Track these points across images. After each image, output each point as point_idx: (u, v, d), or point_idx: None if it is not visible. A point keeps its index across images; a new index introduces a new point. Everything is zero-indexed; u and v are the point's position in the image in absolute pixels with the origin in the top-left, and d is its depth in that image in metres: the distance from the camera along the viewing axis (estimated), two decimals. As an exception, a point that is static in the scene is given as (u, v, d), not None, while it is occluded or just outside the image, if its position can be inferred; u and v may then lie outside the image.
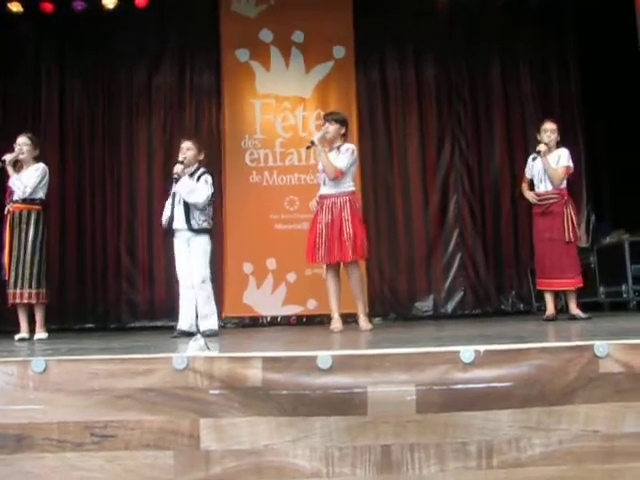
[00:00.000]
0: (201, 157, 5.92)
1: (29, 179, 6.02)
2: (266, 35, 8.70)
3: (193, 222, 5.69)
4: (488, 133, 8.90)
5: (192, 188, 5.66)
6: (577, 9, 8.65)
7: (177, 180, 5.66)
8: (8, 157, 6.05)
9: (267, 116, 8.68)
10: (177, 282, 5.89)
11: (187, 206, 5.68)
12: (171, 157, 8.59)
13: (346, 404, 2.55)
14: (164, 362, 2.60)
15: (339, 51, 8.66)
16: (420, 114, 8.89)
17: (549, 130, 6.09)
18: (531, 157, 6.21)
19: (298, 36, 8.69)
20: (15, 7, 8.11)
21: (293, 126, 8.64)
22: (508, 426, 2.56)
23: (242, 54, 8.69)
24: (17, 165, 6.13)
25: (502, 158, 8.78)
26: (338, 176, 5.64)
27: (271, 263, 8.37)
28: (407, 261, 8.69)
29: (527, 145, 8.19)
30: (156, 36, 8.82)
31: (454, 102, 8.92)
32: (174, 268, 5.95)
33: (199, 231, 5.71)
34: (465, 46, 8.88)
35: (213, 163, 8.18)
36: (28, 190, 5.99)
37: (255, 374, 2.57)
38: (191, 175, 5.76)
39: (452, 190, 8.82)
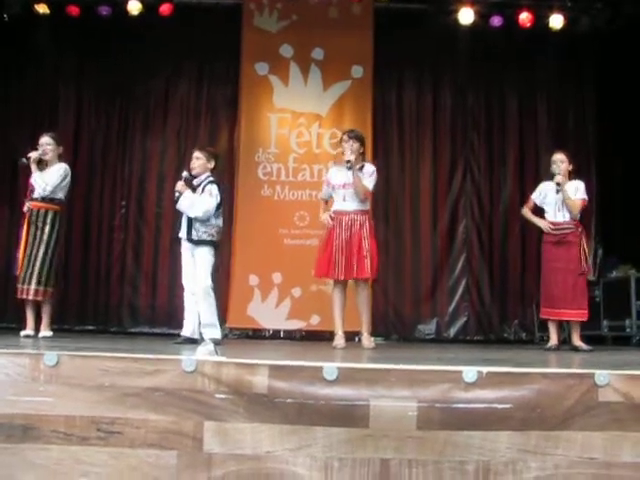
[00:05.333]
0: (211, 165, 5.84)
1: (50, 178, 6.09)
2: (286, 50, 8.80)
3: (193, 233, 5.64)
4: (501, 162, 8.98)
5: (192, 203, 5.63)
6: (596, 44, 8.72)
7: (178, 197, 5.70)
8: (33, 155, 6.12)
9: (282, 131, 8.76)
10: (181, 289, 5.92)
11: (189, 217, 5.69)
12: (183, 166, 8.63)
13: (348, 416, 2.59)
14: (173, 364, 2.65)
15: (357, 71, 8.75)
16: (434, 138, 8.98)
17: (558, 160, 6.16)
18: (544, 185, 6.26)
19: (318, 53, 8.79)
20: (42, 9, 8.24)
21: (307, 142, 8.72)
22: (506, 448, 2.60)
23: (261, 68, 8.78)
24: (41, 164, 6.19)
25: (513, 187, 8.84)
26: (367, 197, 5.79)
27: (277, 277, 8.41)
28: (412, 283, 8.74)
29: (539, 176, 8.20)
30: (176, 46, 8.89)
31: (469, 129, 9.00)
32: (178, 275, 5.98)
33: (199, 242, 5.66)
34: (483, 74, 8.97)
35: (226, 174, 8.28)
36: (48, 189, 6.05)
37: (261, 381, 2.62)
38: (198, 185, 5.78)
39: (461, 215, 8.88)
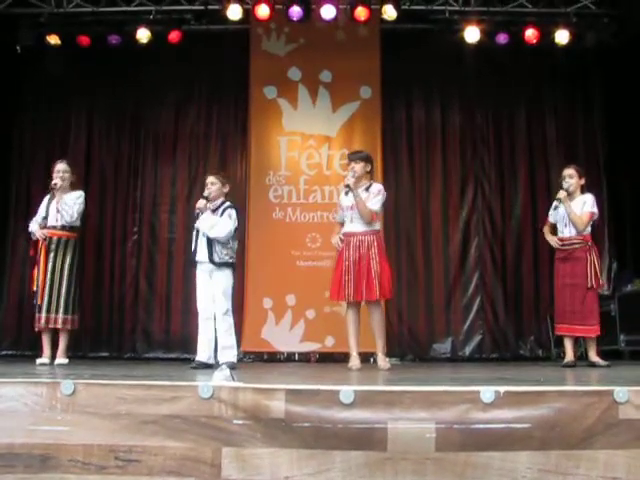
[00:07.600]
0: (226, 190, 5.98)
1: (73, 207, 6.11)
2: (294, 73, 8.84)
3: (215, 256, 5.73)
4: (511, 178, 8.95)
5: (213, 223, 5.74)
6: (604, 59, 8.70)
7: (198, 215, 5.78)
8: (59, 183, 6.13)
9: (292, 153, 8.77)
10: (195, 314, 5.93)
11: (209, 240, 5.75)
12: (195, 190, 8.74)
13: (366, 439, 2.58)
14: (190, 390, 2.64)
15: (366, 91, 8.76)
16: (444, 156, 8.97)
17: (567, 176, 6.21)
18: (554, 203, 6.26)
19: (326, 75, 8.81)
20: (53, 40, 8.32)
21: (318, 164, 8.73)
22: (526, 468, 2.57)
23: (270, 91, 8.82)
24: (52, 191, 6.21)
25: (525, 203, 8.81)
26: (373, 219, 5.77)
27: (290, 299, 8.39)
28: (426, 302, 8.69)
29: (550, 191, 8.21)
30: (185, 72, 8.95)
31: (478, 146, 8.99)
32: (192, 300, 6.00)
33: (221, 265, 5.75)
34: (491, 91, 8.97)
35: (237, 198, 8.28)
36: (75, 218, 6.11)
37: (278, 406, 2.61)
38: (216, 209, 5.85)
39: (473, 233, 8.84)
